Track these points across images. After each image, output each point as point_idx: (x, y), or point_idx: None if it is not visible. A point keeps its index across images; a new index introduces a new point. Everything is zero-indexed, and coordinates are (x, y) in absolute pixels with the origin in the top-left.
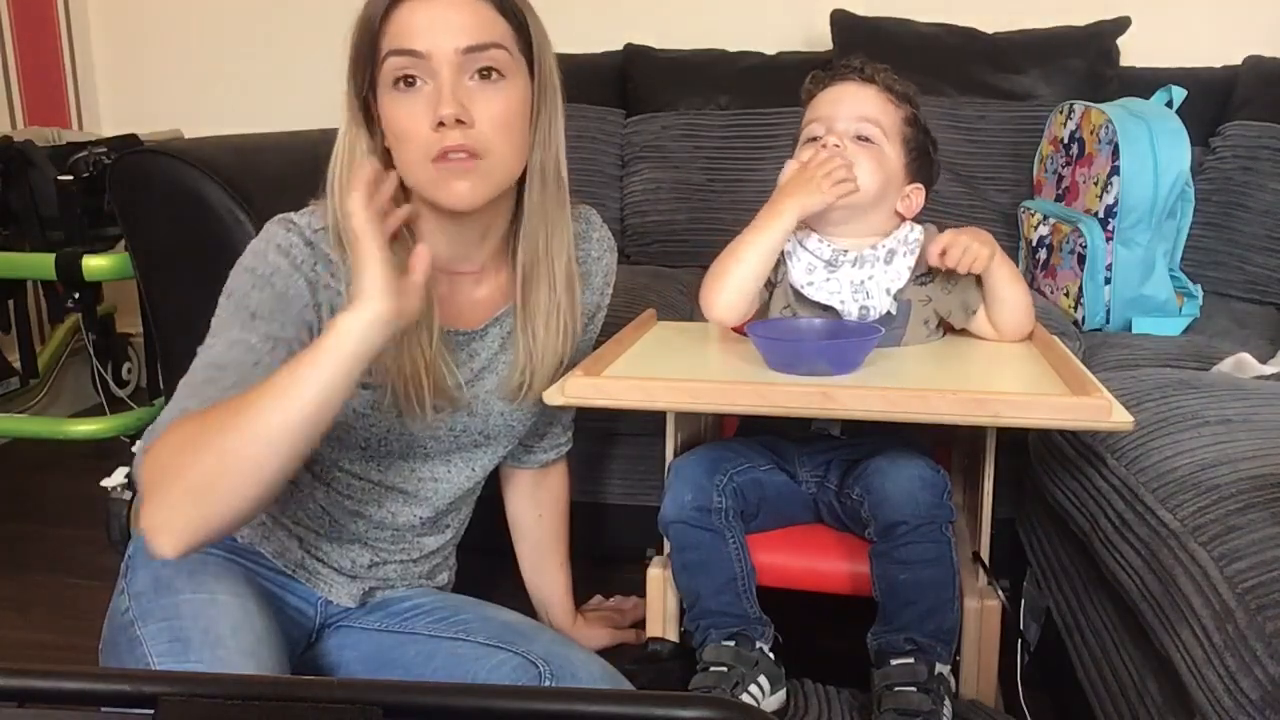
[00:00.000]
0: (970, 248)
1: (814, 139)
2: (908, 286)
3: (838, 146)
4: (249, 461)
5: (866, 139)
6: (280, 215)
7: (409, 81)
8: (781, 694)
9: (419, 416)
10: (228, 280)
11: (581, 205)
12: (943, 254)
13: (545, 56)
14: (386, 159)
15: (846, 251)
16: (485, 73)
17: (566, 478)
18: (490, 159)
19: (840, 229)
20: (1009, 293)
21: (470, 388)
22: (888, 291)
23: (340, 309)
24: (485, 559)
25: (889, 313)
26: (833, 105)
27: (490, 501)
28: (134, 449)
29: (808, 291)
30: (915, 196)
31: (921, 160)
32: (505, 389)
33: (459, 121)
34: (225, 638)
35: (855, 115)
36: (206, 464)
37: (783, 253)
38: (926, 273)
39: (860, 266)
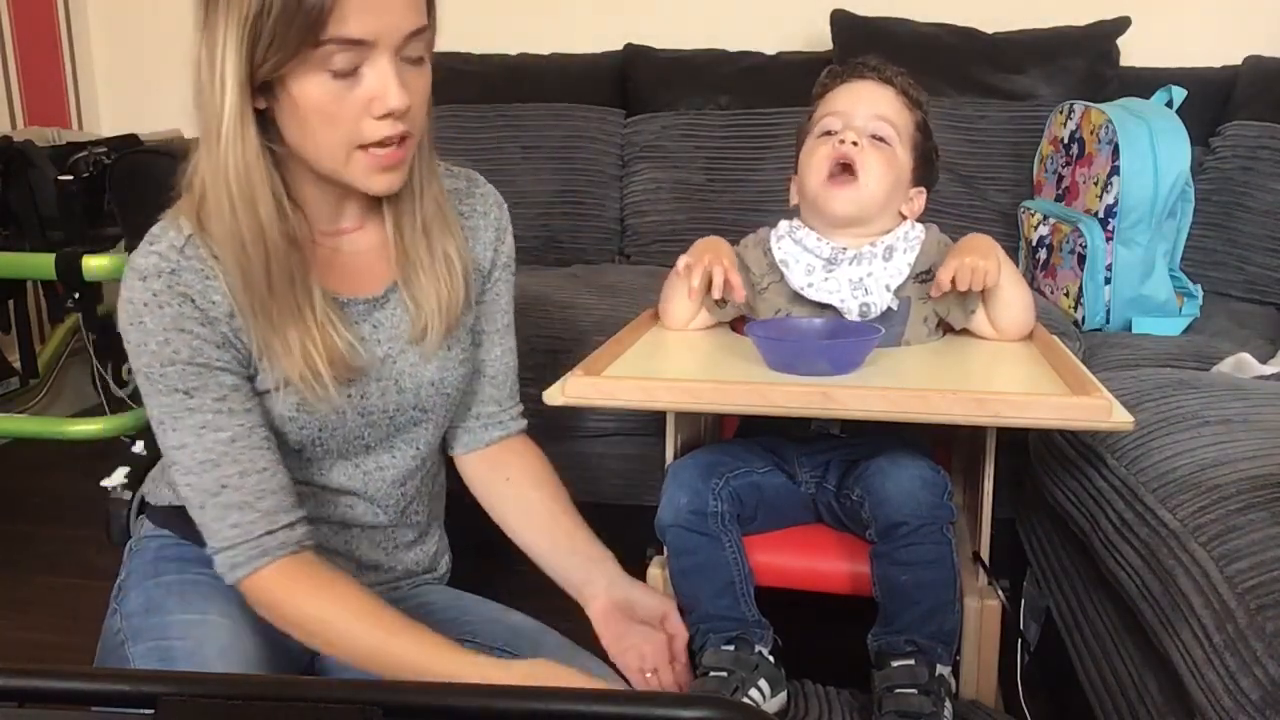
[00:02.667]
0: (977, 267)
1: (829, 133)
2: (908, 284)
3: (855, 145)
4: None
5: (881, 139)
6: (133, 261)
7: (345, 71)
8: (782, 696)
9: (326, 396)
10: (129, 352)
11: (464, 168)
12: (952, 281)
13: (435, 29)
14: (260, 122)
15: (845, 249)
16: (413, 57)
17: (534, 448)
18: (414, 141)
19: (844, 229)
20: (1010, 293)
21: (394, 363)
22: (887, 288)
23: (229, 315)
24: (487, 560)
25: (890, 309)
26: (851, 102)
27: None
28: (135, 449)
29: (807, 293)
30: (918, 200)
31: (926, 166)
32: (411, 335)
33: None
34: (212, 659)
35: (872, 114)
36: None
37: (775, 261)
38: (926, 271)
39: (859, 264)
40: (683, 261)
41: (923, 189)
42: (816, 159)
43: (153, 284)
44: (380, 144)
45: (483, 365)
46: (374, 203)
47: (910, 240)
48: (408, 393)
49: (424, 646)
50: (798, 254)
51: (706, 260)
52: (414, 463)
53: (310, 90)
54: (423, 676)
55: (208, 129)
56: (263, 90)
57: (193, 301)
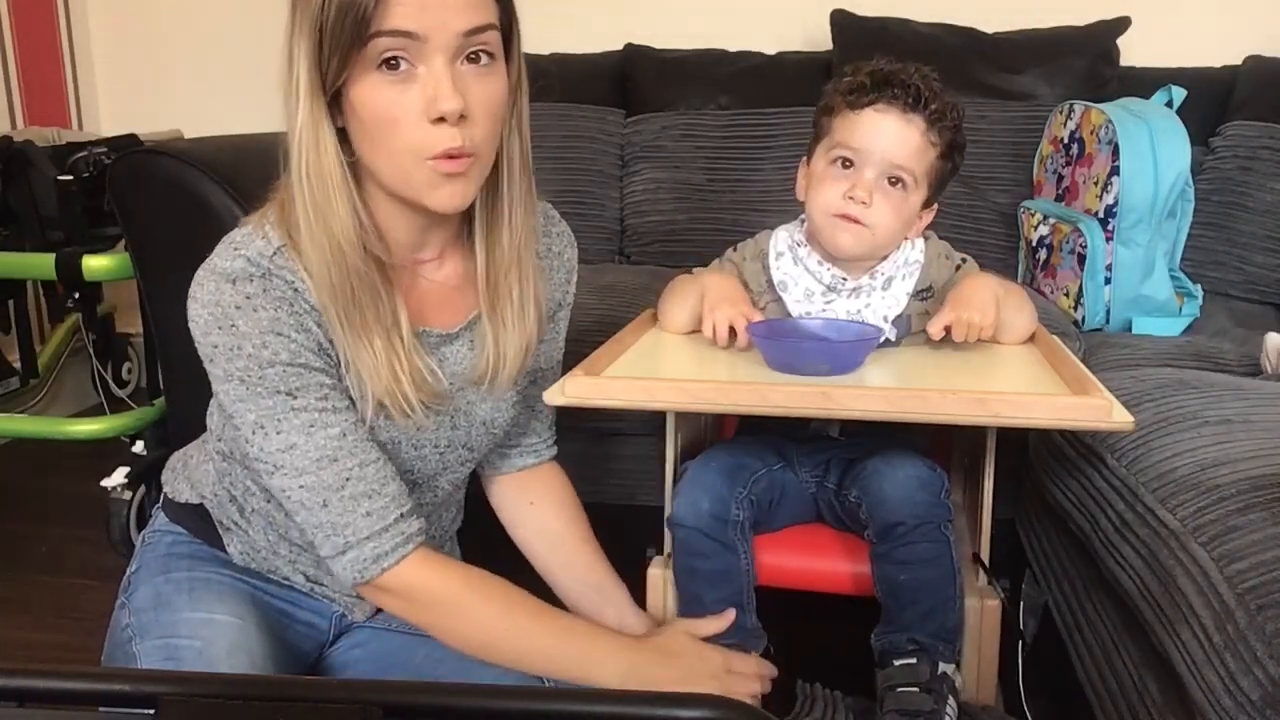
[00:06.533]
0: (973, 323)
1: (844, 163)
2: (908, 304)
3: (865, 205)
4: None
5: (897, 182)
6: (215, 265)
7: (393, 64)
8: None
9: (413, 417)
10: (217, 357)
11: (540, 201)
12: (946, 329)
13: (519, 33)
14: (342, 139)
15: (845, 280)
16: (475, 56)
17: (561, 474)
18: (481, 155)
19: (848, 263)
20: (1010, 317)
21: (452, 400)
22: (885, 319)
23: (326, 333)
24: (489, 563)
25: (887, 340)
26: (870, 139)
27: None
28: (135, 448)
29: (804, 322)
30: (926, 217)
31: (942, 187)
32: (471, 376)
33: (461, 117)
34: (219, 660)
35: (890, 160)
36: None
37: (773, 281)
38: (927, 288)
39: (857, 296)
40: (708, 323)
41: (934, 206)
42: (828, 188)
43: (244, 287)
44: (445, 155)
45: (533, 401)
46: (456, 234)
47: (910, 265)
48: (460, 430)
49: (564, 635)
50: (797, 275)
51: (725, 313)
52: (441, 496)
53: (368, 94)
54: (558, 660)
55: (289, 140)
56: (337, 104)
57: (289, 305)
